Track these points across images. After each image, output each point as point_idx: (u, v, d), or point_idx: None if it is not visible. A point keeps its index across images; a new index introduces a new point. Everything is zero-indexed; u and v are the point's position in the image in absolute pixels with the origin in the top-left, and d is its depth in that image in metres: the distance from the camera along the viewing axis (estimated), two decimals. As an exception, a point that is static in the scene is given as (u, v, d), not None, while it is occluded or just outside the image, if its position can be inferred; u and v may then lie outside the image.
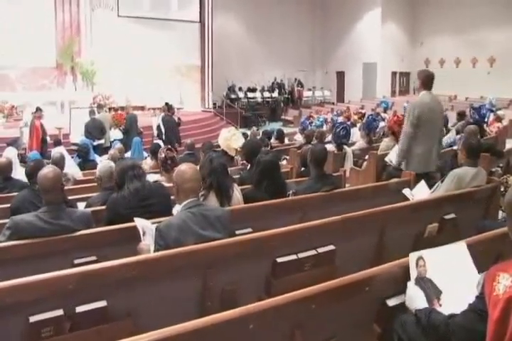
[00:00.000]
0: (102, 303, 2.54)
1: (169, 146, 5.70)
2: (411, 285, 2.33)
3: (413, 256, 2.41)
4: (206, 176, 3.73)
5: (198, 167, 4.02)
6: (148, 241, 3.12)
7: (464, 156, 4.32)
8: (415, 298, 2.26)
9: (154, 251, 2.89)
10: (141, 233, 3.18)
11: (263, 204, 3.99)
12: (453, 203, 4.10)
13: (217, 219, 2.96)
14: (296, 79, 25.69)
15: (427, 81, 5.37)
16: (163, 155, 5.34)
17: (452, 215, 4.02)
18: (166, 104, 12.51)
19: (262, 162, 4.09)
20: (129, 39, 18.71)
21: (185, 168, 3.00)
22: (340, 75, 26.15)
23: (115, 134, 12.41)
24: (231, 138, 6.46)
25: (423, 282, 2.34)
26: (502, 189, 5.74)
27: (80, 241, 3.32)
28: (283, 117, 23.08)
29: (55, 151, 6.88)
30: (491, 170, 6.49)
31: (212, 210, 3.02)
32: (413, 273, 2.38)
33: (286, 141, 11.40)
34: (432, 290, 2.31)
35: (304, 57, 26.22)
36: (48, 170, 3.30)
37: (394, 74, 25.17)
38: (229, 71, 22.65)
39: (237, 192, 3.98)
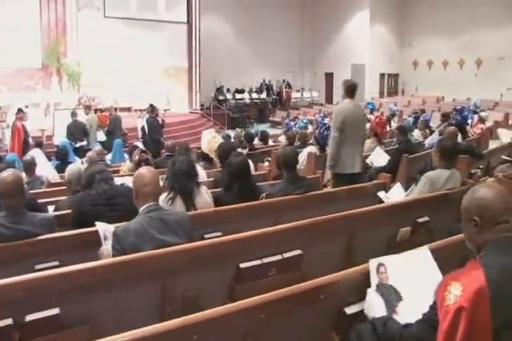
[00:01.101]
0: (55, 311, 2.45)
1: (143, 148, 5.62)
2: (371, 293, 2.26)
3: (373, 263, 2.34)
4: (169, 179, 3.67)
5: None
6: (109, 246, 3.03)
7: (438, 158, 4.27)
8: (374, 306, 2.19)
9: (112, 256, 2.81)
10: (102, 237, 3.10)
11: (234, 207, 3.92)
12: (426, 206, 4.04)
13: (177, 223, 2.89)
14: (284, 81, 25.65)
15: (350, 90, 5.74)
16: (136, 158, 5.27)
17: (426, 218, 3.95)
18: (151, 105, 12.42)
19: (232, 164, 4.02)
20: (115, 40, 18.62)
21: (144, 171, 2.93)
22: (329, 76, 26.13)
23: (100, 136, 12.30)
24: (212, 140, 6.40)
25: (384, 289, 2.27)
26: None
27: (41, 246, 3.22)
28: (271, 118, 23.03)
29: (28, 154, 6.77)
30: (471, 172, 6.47)
31: (171, 214, 2.94)
32: (373, 280, 2.31)
33: (271, 142, 11.33)
34: (393, 298, 2.25)
35: (293, 59, 26.21)
36: (6, 173, 3.20)
37: (382, 75, 25.20)
38: (217, 72, 22.58)
39: (206, 195, 3.90)
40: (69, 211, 3.94)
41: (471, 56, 21.94)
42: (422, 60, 24.25)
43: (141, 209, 2.89)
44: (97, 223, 3.19)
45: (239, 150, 6.20)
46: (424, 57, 24.02)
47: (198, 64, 21.40)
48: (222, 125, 20.54)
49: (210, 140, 6.12)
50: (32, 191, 5.69)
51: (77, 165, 4.53)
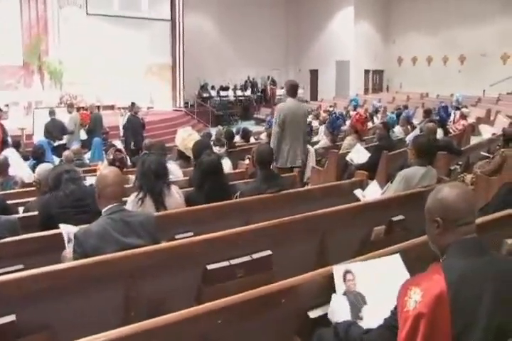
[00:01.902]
0: (11, 318, 2.37)
1: (118, 147, 5.52)
2: (335, 298, 2.19)
3: (338, 269, 2.26)
4: (138, 179, 3.59)
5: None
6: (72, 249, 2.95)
7: (414, 155, 4.21)
8: (338, 311, 2.12)
9: (73, 259, 2.73)
10: (66, 240, 3.01)
11: (205, 207, 3.84)
12: (401, 204, 3.98)
13: (141, 225, 2.81)
14: (269, 78, 25.55)
15: (292, 90, 6.22)
16: (111, 157, 5.16)
17: (401, 217, 3.90)
18: (132, 103, 12.29)
19: (203, 163, 3.95)
20: (98, 38, 18.47)
21: (106, 172, 2.85)
22: (314, 73, 26.11)
23: (82, 134, 12.15)
24: (188, 138, 6.28)
25: (352, 296, 2.20)
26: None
27: (4, 250, 3.14)
28: (255, 116, 22.92)
29: (1, 154, 6.62)
30: (450, 169, 6.45)
31: (135, 216, 2.86)
32: (339, 288, 2.22)
33: (253, 139, 11.25)
34: (360, 304, 2.18)
35: (278, 56, 26.12)
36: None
37: (367, 72, 25.21)
38: (202, 70, 22.46)
39: (177, 195, 3.81)
40: (36, 213, 3.85)
41: (455, 52, 22.02)
42: (407, 56, 24.31)
43: (103, 211, 2.81)
44: (61, 225, 3.10)
45: (217, 148, 6.13)
46: (409, 53, 24.08)
47: (181, 61, 21.26)
48: (206, 122, 20.44)
49: (185, 138, 6.02)
50: (4, 191, 5.61)
51: (47, 165, 4.41)
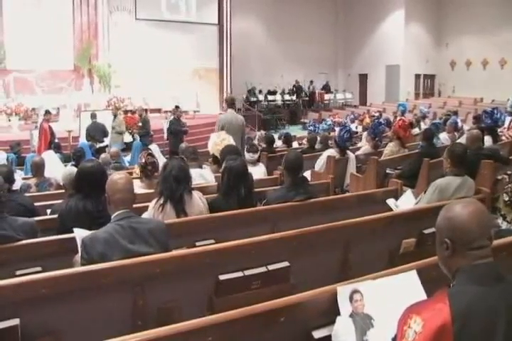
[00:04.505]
0: (14, 322, 2.33)
1: (150, 151, 5.48)
2: (340, 320, 2.01)
3: (344, 290, 2.08)
4: (159, 184, 3.52)
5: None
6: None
7: (449, 165, 3.96)
8: (341, 333, 1.95)
9: (80, 265, 2.68)
10: (79, 244, 2.97)
11: (227, 214, 3.73)
12: (434, 216, 3.72)
13: (150, 232, 2.72)
14: (311, 82, 25.23)
15: (231, 103, 7.78)
16: (143, 161, 5.12)
17: (433, 229, 3.66)
18: (176, 106, 12.40)
19: (227, 169, 3.84)
20: (146, 42, 18.76)
21: (116, 178, 2.79)
22: (363, 78, 25.69)
23: (126, 137, 12.36)
24: (221, 143, 6.20)
25: (359, 319, 2.02)
26: (506, 198, 5.32)
27: (22, 252, 3.15)
28: (302, 120, 22.71)
29: (39, 156, 6.73)
30: (497, 178, 6.08)
31: (144, 223, 2.78)
32: (344, 308, 2.05)
33: (296, 144, 11.10)
34: (367, 328, 2.01)
35: (326, 60, 25.88)
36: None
37: (418, 76, 24.55)
38: (249, 74, 22.46)
39: (199, 202, 3.72)
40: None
41: (513, 55, 21.11)
42: (460, 60, 23.46)
43: (112, 217, 2.75)
44: (75, 229, 3.07)
45: (250, 154, 6.03)
46: (462, 56, 23.21)
47: (229, 65, 21.31)
48: (253, 127, 20.38)
49: (217, 142, 5.94)
50: (39, 193, 5.69)
51: (69, 169, 4.42)
